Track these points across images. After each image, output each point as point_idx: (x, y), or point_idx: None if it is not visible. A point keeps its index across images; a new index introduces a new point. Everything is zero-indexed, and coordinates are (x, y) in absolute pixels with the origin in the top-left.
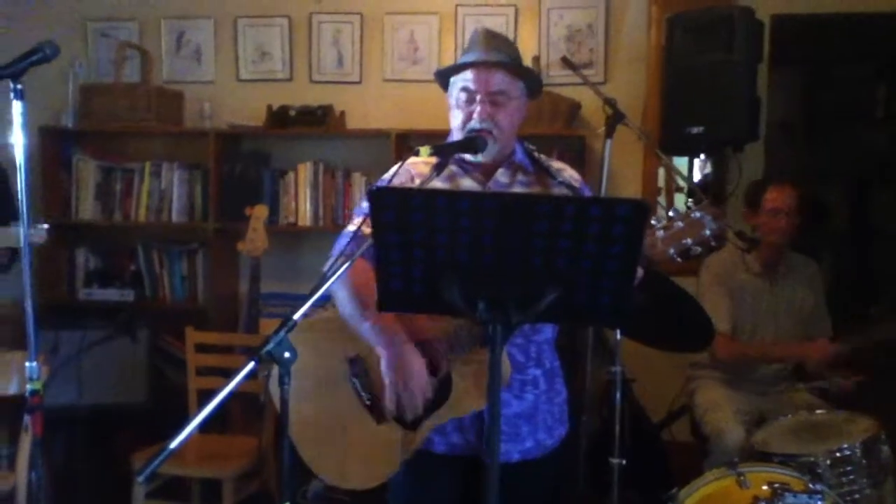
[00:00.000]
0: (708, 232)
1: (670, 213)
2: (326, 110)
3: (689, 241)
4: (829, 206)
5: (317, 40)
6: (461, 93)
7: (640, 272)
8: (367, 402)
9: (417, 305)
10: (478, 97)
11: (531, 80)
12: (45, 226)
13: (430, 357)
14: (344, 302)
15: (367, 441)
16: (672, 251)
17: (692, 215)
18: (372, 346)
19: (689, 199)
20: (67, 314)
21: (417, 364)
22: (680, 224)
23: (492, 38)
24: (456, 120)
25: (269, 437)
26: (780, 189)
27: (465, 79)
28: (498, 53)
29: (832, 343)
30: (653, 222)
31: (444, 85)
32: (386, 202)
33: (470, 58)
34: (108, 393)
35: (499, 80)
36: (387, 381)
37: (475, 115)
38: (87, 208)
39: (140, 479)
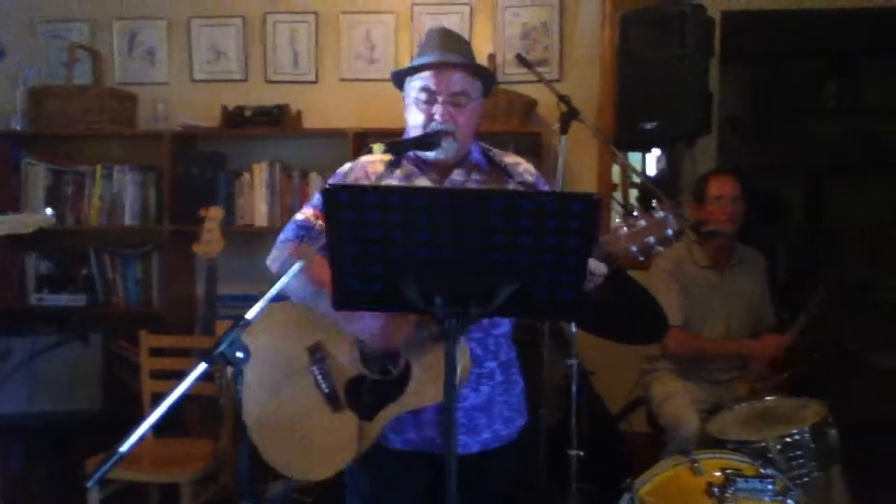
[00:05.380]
0: (670, 231)
1: (634, 213)
2: (282, 110)
3: (651, 239)
4: (783, 199)
5: (272, 40)
6: (421, 92)
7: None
8: (326, 391)
9: (375, 303)
10: (439, 98)
11: (487, 79)
12: (50, 210)
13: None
14: (299, 288)
15: (325, 431)
16: (634, 249)
17: (656, 215)
18: (333, 318)
19: (654, 202)
20: (18, 320)
21: (381, 315)
22: (643, 223)
23: (448, 38)
24: (415, 119)
25: (227, 439)
26: (721, 178)
27: (425, 78)
28: (456, 54)
29: (778, 337)
30: (616, 220)
31: (399, 84)
32: (341, 200)
33: (428, 59)
34: (61, 400)
35: (459, 80)
36: (364, 336)
37: (437, 117)
38: (37, 212)
39: (89, 484)
